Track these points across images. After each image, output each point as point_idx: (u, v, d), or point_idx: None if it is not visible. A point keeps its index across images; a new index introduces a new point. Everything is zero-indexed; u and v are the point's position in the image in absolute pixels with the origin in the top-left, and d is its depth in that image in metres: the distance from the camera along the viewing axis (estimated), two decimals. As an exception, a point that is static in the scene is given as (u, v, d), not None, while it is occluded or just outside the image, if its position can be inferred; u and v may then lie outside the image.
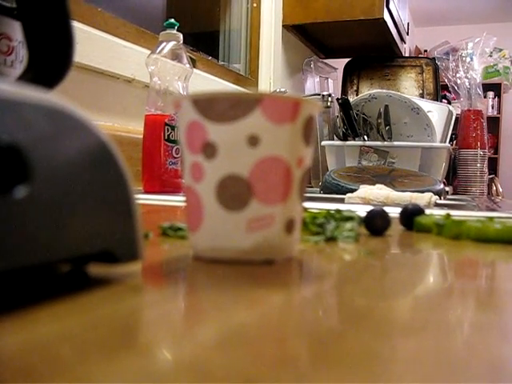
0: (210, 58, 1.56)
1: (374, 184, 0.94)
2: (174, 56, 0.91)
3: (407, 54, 3.35)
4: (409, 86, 1.98)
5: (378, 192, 0.86)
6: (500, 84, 4.57)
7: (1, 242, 0.17)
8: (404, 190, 0.96)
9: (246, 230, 0.28)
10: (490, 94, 4.56)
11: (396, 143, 1.38)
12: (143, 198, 0.75)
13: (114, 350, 0.15)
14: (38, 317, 0.17)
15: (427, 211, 0.49)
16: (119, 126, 1.06)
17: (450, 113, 1.58)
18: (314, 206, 0.61)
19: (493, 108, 4.66)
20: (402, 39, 2.16)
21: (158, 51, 0.90)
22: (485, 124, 1.94)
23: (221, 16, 1.79)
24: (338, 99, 1.44)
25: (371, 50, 2.09)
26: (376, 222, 0.43)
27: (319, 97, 1.54)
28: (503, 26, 4.60)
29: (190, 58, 0.95)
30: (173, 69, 0.90)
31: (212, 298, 0.22)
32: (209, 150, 0.28)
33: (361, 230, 0.43)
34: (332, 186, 1.12)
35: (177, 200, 0.72)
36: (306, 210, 0.42)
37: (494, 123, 4.47)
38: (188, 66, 0.92)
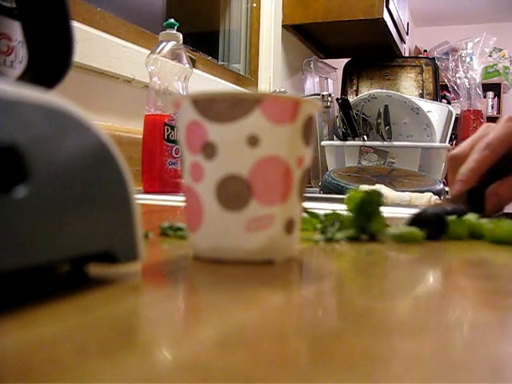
0: (210, 57, 1.56)
1: (373, 184, 0.94)
2: (174, 56, 0.91)
3: (407, 54, 3.35)
4: (408, 85, 1.98)
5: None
6: (500, 84, 4.56)
7: (0, 242, 0.17)
8: (404, 189, 0.96)
9: (245, 230, 0.28)
10: (490, 94, 4.56)
11: (396, 143, 1.38)
12: (143, 198, 0.75)
13: (114, 349, 0.15)
14: (37, 317, 0.17)
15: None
16: (119, 125, 1.06)
17: (450, 113, 1.58)
18: (313, 206, 0.61)
19: (492, 108, 4.66)
20: (402, 39, 2.16)
21: (157, 51, 0.90)
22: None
23: (220, 16, 1.79)
24: (337, 99, 1.44)
25: (371, 50, 2.09)
26: (432, 226, 0.40)
27: (319, 97, 1.54)
28: (503, 26, 4.60)
29: (190, 57, 0.95)
30: (172, 69, 0.91)
31: (212, 298, 0.22)
32: (208, 149, 0.28)
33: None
34: (332, 186, 1.12)
35: (177, 200, 0.72)
36: (305, 209, 0.42)
37: (494, 123, 4.46)
38: (188, 65, 0.92)
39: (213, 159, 0.28)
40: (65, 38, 0.38)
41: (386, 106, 1.40)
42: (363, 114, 1.43)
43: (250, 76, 1.77)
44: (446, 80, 1.99)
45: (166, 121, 0.88)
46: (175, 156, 0.88)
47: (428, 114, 1.45)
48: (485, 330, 0.18)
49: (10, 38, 0.46)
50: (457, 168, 0.57)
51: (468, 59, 1.91)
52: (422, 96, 1.92)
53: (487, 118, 2.17)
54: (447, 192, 1.55)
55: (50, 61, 0.38)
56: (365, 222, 0.39)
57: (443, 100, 2.27)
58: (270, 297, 0.22)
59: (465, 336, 0.18)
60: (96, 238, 0.21)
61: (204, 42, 1.72)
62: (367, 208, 0.39)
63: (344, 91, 2.03)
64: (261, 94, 0.28)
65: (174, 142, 0.88)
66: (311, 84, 1.99)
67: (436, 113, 1.56)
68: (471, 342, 0.17)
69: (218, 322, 0.18)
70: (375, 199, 0.39)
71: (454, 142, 1.94)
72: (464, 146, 0.59)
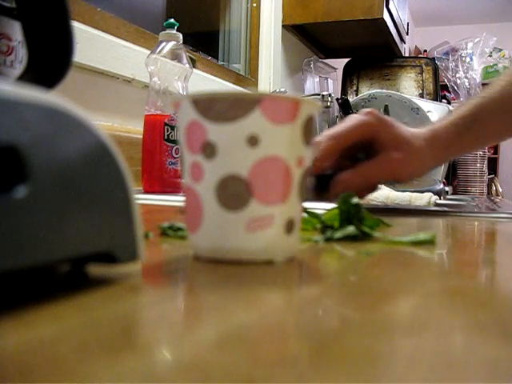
0: (210, 57, 1.56)
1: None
2: (174, 56, 0.91)
3: (407, 54, 3.35)
4: (408, 86, 1.98)
5: (377, 192, 0.86)
6: (500, 84, 4.56)
7: (0, 242, 0.17)
8: (404, 190, 0.96)
9: (245, 230, 0.28)
10: (490, 93, 4.56)
11: (396, 143, 1.38)
12: (143, 198, 0.75)
13: (114, 349, 0.15)
14: (38, 317, 0.17)
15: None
16: (119, 125, 1.06)
17: (450, 113, 1.58)
18: (313, 206, 0.61)
19: (492, 108, 4.65)
20: (402, 39, 2.16)
21: (157, 51, 0.90)
22: (484, 124, 1.93)
23: (220, 16, 1.79)
24: (337, 99, 1.44)
25: (371, 50, 2.09)
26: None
27: (319, 97, 1.54)
28: (503, 26, 4.60)
29: (190, 57, 0.95)
30: (172, 69, 0.90)
31: (212, 298, 0.22)
32: (208, 149, 0.28)
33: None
34: (332, 186, 1.12)
35: (177, 200, 0.72)
36: (305, 210, 0.42)
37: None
38: (188, 65, 0.92)
39: (213, 159, 0.28)
40: (65, 38, 0.38)
41: (386, 106, 1.40)
42: (363, 114, 1.43)
43: (249, 76, 1.77)
44: (446, 80, 1.98)
45: (165, 121, 0.88)
46: (175, 156, 0.88)
47: (428, 113, 1.45)
48: (485, 330, 0.18)
49: (9, 38, 0.46)
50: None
51: (468, 59, 1.91)
52: (422, 96, 1.92)
53: (487, 118, 2.16)
54: (447, 192, 1.55)
55: (50, 61, 0.38)
56: (357, 224, 0.39)
57: (443, 100, 2.27)
58: (270, 297, 0.22)
59: (465, 336, 0.18)
60: (96, 238, 0.21)
61: (204, 42, 1.72)
62: (350, 213, 0.40)
63: (344, 91, 2.03)
64: (261, 94, 0.28)
65: (174, 141, 0.88)
66: (311, 84, 1.99)
67: (436, 113, 1.56)
68: (471, 342, 0.17)
69: (218, 322, 0.18)
70: (349, 202, 0.39)
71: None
72: (322, 135, 0.62)
